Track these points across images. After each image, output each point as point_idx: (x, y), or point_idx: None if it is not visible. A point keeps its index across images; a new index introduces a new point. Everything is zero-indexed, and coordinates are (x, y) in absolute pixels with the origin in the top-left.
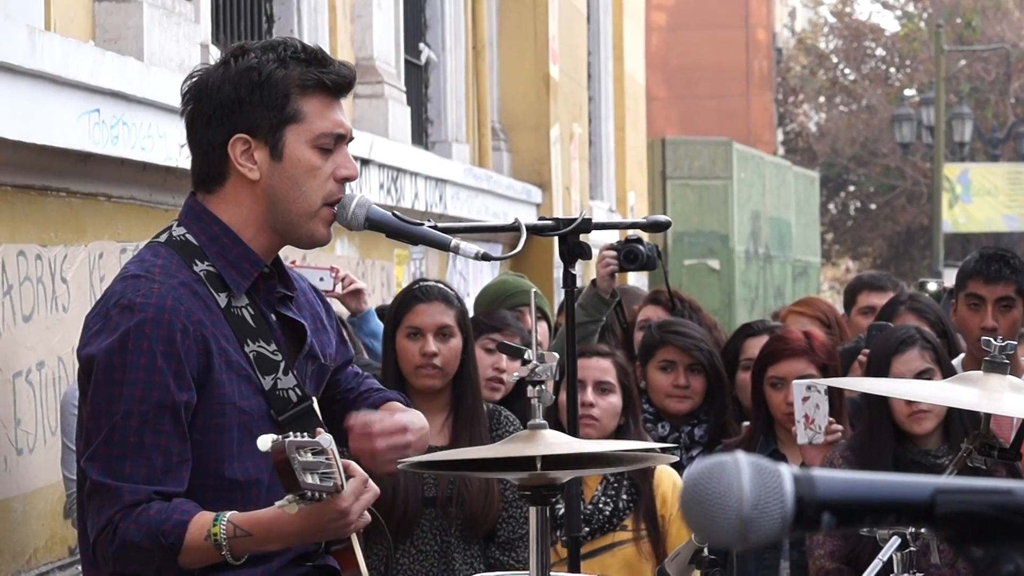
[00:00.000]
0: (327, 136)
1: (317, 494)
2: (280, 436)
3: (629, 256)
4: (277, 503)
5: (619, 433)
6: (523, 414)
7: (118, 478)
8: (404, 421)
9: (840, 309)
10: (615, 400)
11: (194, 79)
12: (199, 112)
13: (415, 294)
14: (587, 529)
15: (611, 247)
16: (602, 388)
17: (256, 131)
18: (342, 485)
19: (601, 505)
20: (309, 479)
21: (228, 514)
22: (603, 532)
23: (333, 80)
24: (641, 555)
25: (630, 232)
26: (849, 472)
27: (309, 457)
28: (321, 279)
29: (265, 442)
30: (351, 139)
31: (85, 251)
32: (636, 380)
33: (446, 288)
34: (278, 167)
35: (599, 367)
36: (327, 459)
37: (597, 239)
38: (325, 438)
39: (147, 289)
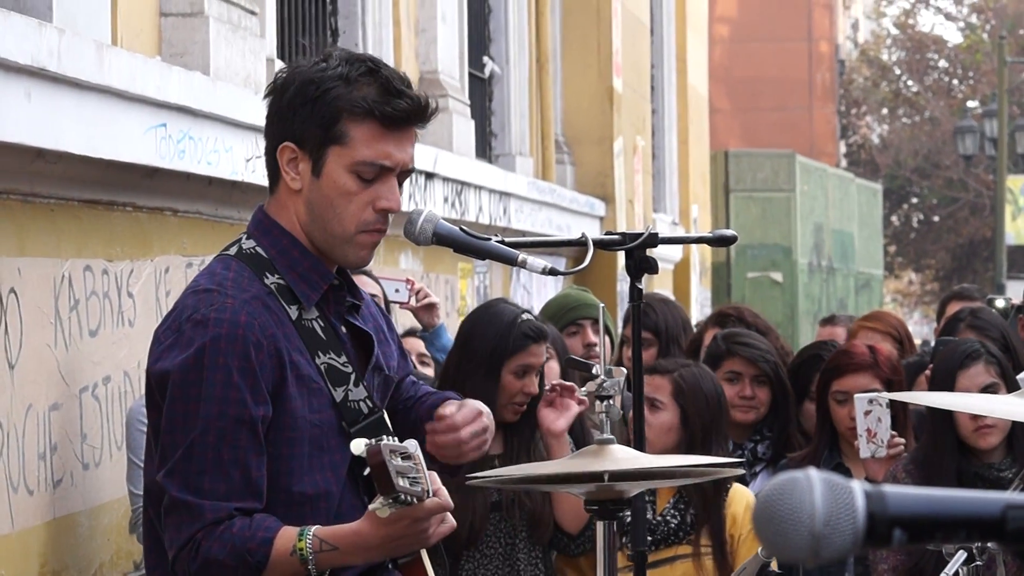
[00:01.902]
0: (367, 165)
1: (408, 497)
2: (374, 440)
3: None
4: (371, 506)
5: (680, 449)
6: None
7: (198, 495)
8: (478, 406)
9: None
10: (665, 417)
11: (281, 74)
12: (269, 110)
13: (527, 332)
14: (650, 539)
15: None
16: (652, 404)
17: (303, 143)
18: (429, 490)
19: (668, 517)
20: (402, 482)
21: (313, 529)
22: (667, 544)
23: (385, 112)
24: (701, 571)
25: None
26: (920, 488)
27: (400, 461)
28: (396, 290)
29: (359, 446)
30: (406, 171)
31: (151, 266)
32: None
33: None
34: (317, 184)
35: (650, 383)
36: (415, 463)
37: (662, 252)
38: (412, 443)
39: (220, 304)
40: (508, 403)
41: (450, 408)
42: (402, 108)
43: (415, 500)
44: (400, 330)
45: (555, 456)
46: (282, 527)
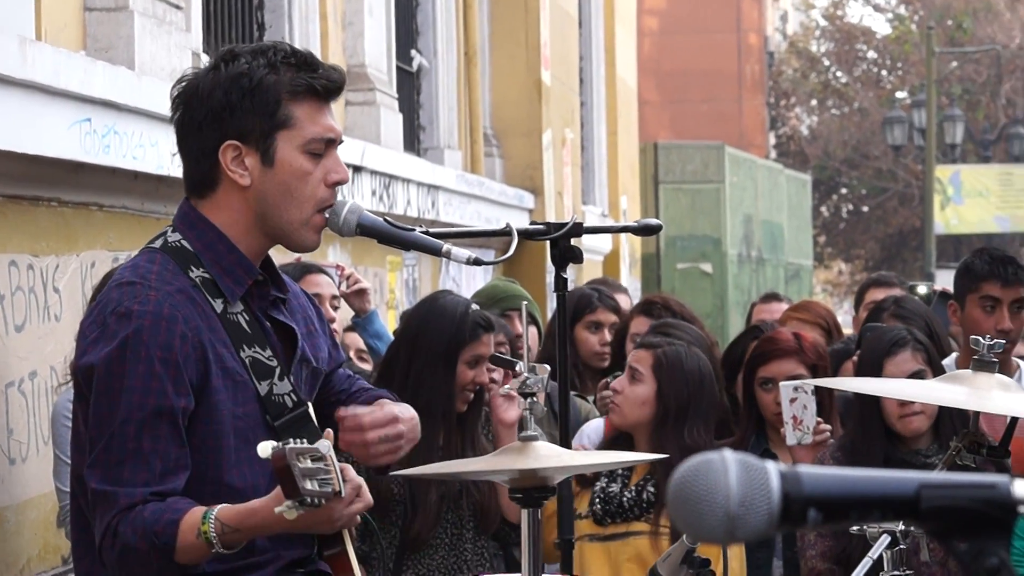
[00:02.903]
0: (318, 141)
1: (316, 500)
2: (280, 443)
3: None
4: (276, 508)
5: (654, 423)
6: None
7: (116, 484)
8: (395, 411)
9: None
10: (641, 390)
11: (183, 84)
12: (189, 118)
13: (480, 323)
14: (605, 510)
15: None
16: (632, 376)
17: (247, 137)
18: (340, 491)
19: (626, 493)
20: (309, 485)
21: (216, 510)
22: (623, 520)
23: (323, 85)
24: (656, 551)
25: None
26: (835, 468)
27: (308, 463)
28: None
29: (265, 448)
30: (341, 143)
31: (77, 260)
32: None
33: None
34: (269, 173)
35: (635, 356)
36: (326, 465)
37: (592, 244)
38: (324, 444)
39: (144, 296)
40: (459, 393)
41: (366, 408)
42: (334, 78)
43: (323, 501)
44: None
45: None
46: (192, 508)
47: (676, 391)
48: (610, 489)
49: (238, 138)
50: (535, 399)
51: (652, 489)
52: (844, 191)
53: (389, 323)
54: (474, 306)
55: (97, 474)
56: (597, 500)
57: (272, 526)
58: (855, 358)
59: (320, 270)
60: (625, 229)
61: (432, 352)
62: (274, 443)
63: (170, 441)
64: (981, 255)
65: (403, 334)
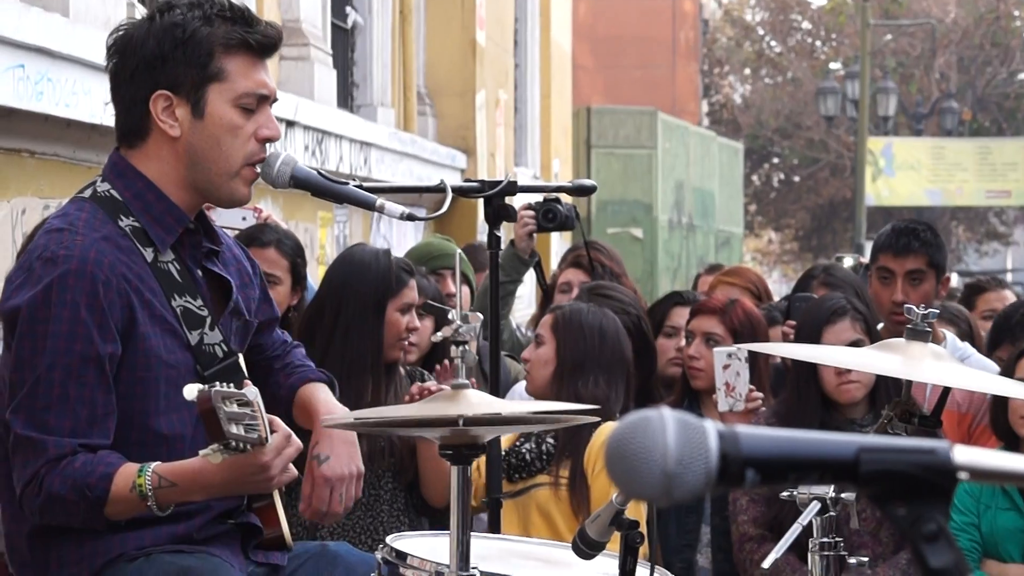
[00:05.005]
0: (250, 96)
1: (241, 444)
2: (207, 385)
3: (548, 215)
4: (201, 451)
5: (553, 381)
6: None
7: (43, 431)
8: (325, 475)
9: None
10: (543, 351)
11: (119, 33)
12: (123, 67)
13: (405, 269)
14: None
15: (529, 207)
16: (537, 341)
17: (178, 88)
18: (266, 437)
19: (525, 450)
20: (234, 429)
21: (153, 465)
22: (529, 473)
23: (258, 40)
24: (556, 500)
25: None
26: (774, 429)
27: (235, 408)
28: (244, 218)
29: (191, 391)
30: (275, 100)
31: (8, 207)
32: None
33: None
34: (199, 125)
35: (541, 322)
36: (252, 411)
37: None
38: (251, 390)
39: (70, 241)
40: (395, 341)
41: (306, 494)
42: (270, 34)
43: (248, 447)
44: None
45: (421, 447)
46: (125, 463)
47: (573, 346)
48: (522, 448)
49: (169, 88)
50: (467, 347)
51: (552, 441)
52: (776, 160)
53: (318, 278)
54: (391, 255)
55: (21, 419)
56: (506, 458)
57: (207, 480)
58: (783, 328)
59: (264, 245)
60: (560, 189)
61: (361, 303)
62: (200, 385)
63: (96, 388)
64: (889, 227)
65: (327, 289)
